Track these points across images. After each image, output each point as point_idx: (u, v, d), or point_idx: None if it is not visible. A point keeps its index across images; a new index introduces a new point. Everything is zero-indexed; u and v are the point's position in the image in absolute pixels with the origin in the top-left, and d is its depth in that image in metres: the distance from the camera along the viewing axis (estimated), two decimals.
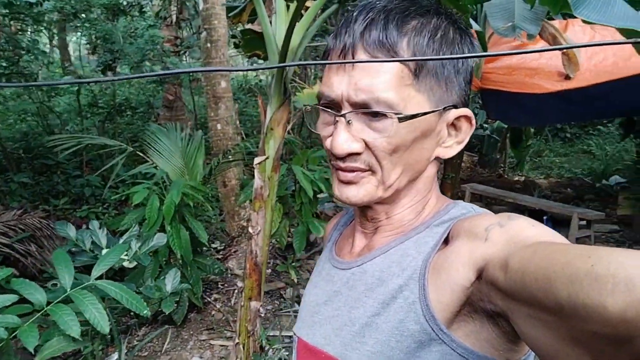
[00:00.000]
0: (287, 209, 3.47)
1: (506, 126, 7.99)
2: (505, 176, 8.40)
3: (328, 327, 0.66)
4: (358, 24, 0.59)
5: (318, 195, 3.45)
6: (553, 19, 3.85)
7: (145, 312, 1.78)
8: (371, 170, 0.61)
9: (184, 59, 9.44)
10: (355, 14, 0.60)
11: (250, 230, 2.28)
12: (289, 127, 2.21)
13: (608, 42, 0.42)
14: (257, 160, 2.21)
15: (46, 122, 7.34)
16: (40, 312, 1.65)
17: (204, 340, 3.07)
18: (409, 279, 0.58)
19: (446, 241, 0.59)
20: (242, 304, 2.42)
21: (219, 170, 3.79)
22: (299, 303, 3.55)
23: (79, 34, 9.64)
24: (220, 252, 4.37)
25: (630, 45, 4.31)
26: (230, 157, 4.01)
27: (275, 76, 2.07)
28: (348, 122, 0.59)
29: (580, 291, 0.36)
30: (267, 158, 2.20)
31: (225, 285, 3.83)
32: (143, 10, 8.29)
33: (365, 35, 0.57)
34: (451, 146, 0.64)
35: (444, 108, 0.60)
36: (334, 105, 0.61)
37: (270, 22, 2.09)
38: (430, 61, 0.58)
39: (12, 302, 1.62)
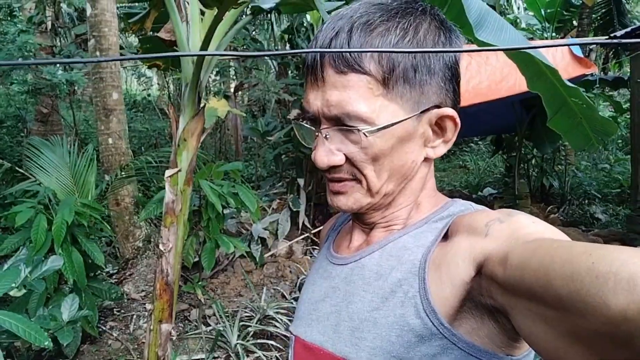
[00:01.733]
0: (192, 225, 3.33)
1: None
2: None
3: (326, 324, 0.65)
4: (323, 38, 0.59)
5: (224, 211, 3.36)
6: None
7: (46, 343, 1.57)
8: (356, 179, 0.62)
9: (61, 69, 8.66)
10: (323, 26, 0.60)
11: (161, 247, 2.14)
12: (202, 138, 2.13)
13: (541, 46, 0.48)
14: (168, 172, 2.10)
15: None
16: None
17: None
18: (408, 272, 0.58)
19: (445, 237, 0.59)
20: (152, 327, 2.25)
21: (115, 187, 3.52)
22: (205, 324, 3.40)
23: None
24: (114, 276, 4.03)
25: (500, 70, 4.83)
26: (124, 173, 3.75)
27: (190, 85, 2.00)
28: (325, 137, 0.60)
29: (581, 289, 0.36)
30: (179, 170, 2.10)
31: (122, 311, 3.53)
32: (13, 13, 7.46)
33: (328, 48, 0.58)
34: (438, 146, 0.63)
35: (421, 112, 0.60)
36: (315, 120, 0.62)
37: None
38: (399, 66, 0.57)
39: None
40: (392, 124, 0.58)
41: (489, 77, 4.77)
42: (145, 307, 3.56)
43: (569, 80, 3.20)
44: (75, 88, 8.98)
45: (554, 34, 8.15)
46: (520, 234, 0.49)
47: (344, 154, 0.60)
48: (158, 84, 11.25)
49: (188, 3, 2.04)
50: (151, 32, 2.81)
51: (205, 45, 1.87)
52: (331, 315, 0.65)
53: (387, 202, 0.65)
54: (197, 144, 2.12)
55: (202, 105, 2.06)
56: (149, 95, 10.90)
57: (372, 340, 0.57)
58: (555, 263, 0.39)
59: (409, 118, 0.59)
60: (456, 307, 0.53)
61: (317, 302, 0.69)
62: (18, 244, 2.65)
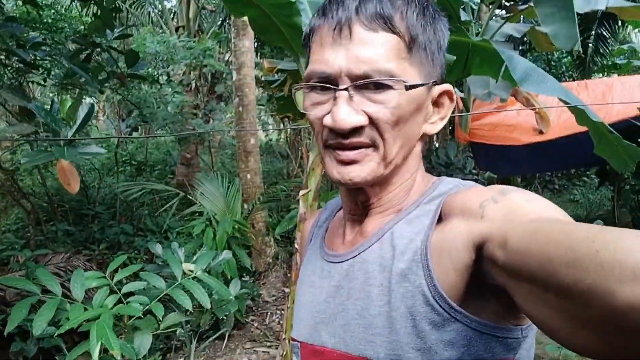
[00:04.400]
0: None
1: (496, 176, 8.82)
2: None
3: (335, 325, 0.63)
4: None
5: None
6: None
7: (231, 296, 2.44)
8: (374, 146, 0.60)
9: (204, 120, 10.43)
10: None
11: (296, 245, 2.99)
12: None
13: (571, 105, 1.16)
14: (302, 192, 2.97)
15: (81, 177, 8.14)
16: (163, 294, 2.33)
17: (248, 348, 3.69)
18: (411, 261, 0.57)
19: (440, 219, 0.59)
20: (288, 305, 3.08)
21: (255, 211, 4.54)
22: None
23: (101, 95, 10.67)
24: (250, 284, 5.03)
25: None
26: (260, 200, 4.78)
27: None
28: (350, 96, 0.58)
29: (586, 277, 0.36)
30: (309, 190, 2.95)
31: (259, 309, 4.46)
32: (170, 78, 9.34)
33: (360, 9, 0.58)
34: (435, 122, 0.65)
35: (432, 82, 0.61)
36: (330, 82, 0.59)
37: None
38: (421, 35, 0.59)
39: (143, 288, 2.29)
40: (421, 85, 0.59)
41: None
42: (276, 307, 4.45)
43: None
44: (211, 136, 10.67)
45: None
46: (517, 214, 0.49)
47: (368, 115, 0.58)
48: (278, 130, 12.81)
49: None
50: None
51: None
52: (338, 315, 0.63)
53: (387, 179, 0.64)
54: (321, 172, 2.97)
55: None
56: (270, 140, 12.44)
57: (387, 336, 0.56)
58: (558, 250, 0.39)
59: (427, 84, 0.60)
60: (463, 290, 0.53)
61: (320, 304, 0.67)
62: (194, 248, 3.70)
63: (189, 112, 9.59)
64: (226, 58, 10.38)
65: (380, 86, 0.57)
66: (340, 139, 0.59)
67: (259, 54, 9.95)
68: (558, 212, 0.49)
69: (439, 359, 0.53)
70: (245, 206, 5.06)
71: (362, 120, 0.58)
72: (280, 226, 3.87)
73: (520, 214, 0.49)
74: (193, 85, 10.04)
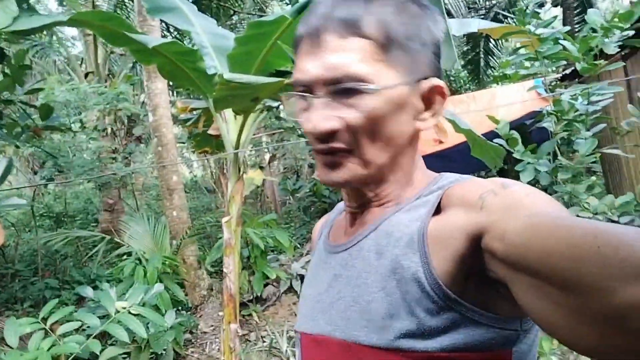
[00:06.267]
0: (243, 265, 4.39)
1: None
2: None
3: (332, 313, 0.64)
4: (323, 5, 0.61)
5: (268, 256, 4.44)
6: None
7: (166, 323, 2.60)
8: (352, 150, 0.61)
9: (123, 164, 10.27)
10: None
11: (225, 270, 3.19)
12: (246, 193, 3.22)
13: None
14: (224, 219, 3.19)
15: None
16: (98, 330, 2.44)
17: None
18: (406, 248, 0.57)
19: (438, 210, 0.59)
20: (224, 328, 3.25)
21: (184, 245, 4.67)
22: (262, 342, 4.37)
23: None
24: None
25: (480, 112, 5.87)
26: (187, 234, 4.91)
27: (232, 161, 3.13)
28: (324, 103, 0.60)
29: (588, 274, 0.36)
30: (231, 217, 3.19)
31: (198, 340, 4.56)
32: (84, 125, 9.17)
33: (331, 16, 0.59)
34: (427, 119, 0.64)
35: (416, 81, 0.61)
36: (309, 90, 0.61)
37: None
38: (398, 34, 0.59)
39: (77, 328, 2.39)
40: (393, 86, 0.59)
41: (472, 120, 5.82)
42: (215, 337, 4.57)
43: (530, 112, 4.23)
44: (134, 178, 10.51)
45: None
46: (517, 207, 0.49)
47: (342, 120, 0.60)
48: (203, 165, 12.86)
49: (225, 111, 3.22)
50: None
51: (239, 135, 3.02)
52: (336, 303, 0.64)
53: (380, 177, 0.65)
54: (241, 199, 3.22)
55: (241, 173, 3.19)
56: (195, 176, 12.47)
57: (381, 321, 0.56)
58: (559, 245, 0.39)
59: (406, 84, 0.60)
60: (459, 280, 0.53)
61: (321, 294, 0.68)
62: (126, 289, 3.77)
63: (107, 157, 9.39)
64: (141, 99, 10.37)
65: (353, 91, 0.59)
66: (319, 144, 0.62)
67: (174, 92, 10.06)
68: (558, 206, 0.49)
69: (432, 346, 0.53)
70: (174, 242, 5.15)
71: (335, 125, 0.60)
72: (209, 256, 4.05)
73: (520, 208, 0.48)
74: (109, 129, 9.88)
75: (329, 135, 0.61)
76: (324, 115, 0.60)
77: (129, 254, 4.28)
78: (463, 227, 0.53)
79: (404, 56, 0.60)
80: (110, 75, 10.13)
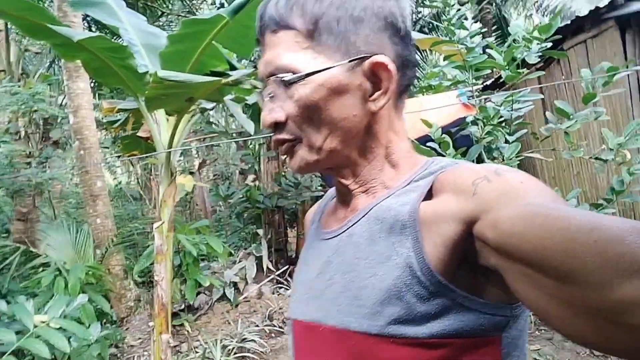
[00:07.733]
0: (175, 273, 4.22)
1: None
2: None
3: (323, 299, 0.63)
4: (262, 5, 0.63)
5: (200, 264, 4.30)
6: None
7: (90, 337, 2.42)
8: (299, 138, 0.62)
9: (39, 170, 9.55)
10: None
11: (156, 278, 3.05)
12: (177, 199, 3.11)
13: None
14: (155, 225, 3.05)
15: None
16: (14, 346, 2.21)
17: None
18: (399, 234, 0.57)
19: (430, 196, 0.58)
20: (155, 338, 3.10)
21: (109, 255, 4.41)
22: (194, 352, 4.22)
23: None
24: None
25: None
26: (113, 241, 4.65)
27: (164, 164, 3.01)
28: (269, 97, 0.62)
29: (584, 268, 0.36)
30: (163, 222, 3.06)
31: (125, 354, 4.30)
32: None
33: (264, 16, 0.62)
34: (377, 98, 0.61)
35: (349, 61, 0.59)
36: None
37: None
38: (322, 20, 0.59)
39: None
40: (316, 72, 0.59)
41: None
42: (143, 350, 4.34)
43: (456, 120, 4.44)
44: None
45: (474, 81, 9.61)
46: (511, 195, 0.48)
47: (284, 112, 0.61)
48: (128, 172, 12.25)
49: (156, 112, 3.10)
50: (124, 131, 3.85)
51: (172, 137, 2.91)
52: (327, 289, 0.63)
53: (345, 162, 0.65)
54: (173, 203, 3.10)
55: (173, 176, 3.07)
56: (119, 182, 11.84)
57: (372, 307, 0.56)
58: (554, 237, 0.39)
59: (334, 67, 0.59)
60: (451, 266, 0.53)
61: (312, 281, 0.68)
62: (45, 301, 3.49)
63: (20, 162, 8.75)
64: (59, 101, 9.71)
65: (287, 83, 0.60)
66: (274, 136, 0.65)
67: (97, 94, 9.51)
68: (552, 195, 0.49)
69: (422, 332, 0.53)
70: (98, 251, 4.85)
71: (278, 117, 0.62)
72: (138, 264, 3.85)
73: (514, 196, 0.48)
74: (23, 132, 9.22)
75: (277, 127, 0.63)
76: (269, 108, 0.62)
77: (47, 264, 3.96)
78: (455, 213, 0.52)
79: (334, 38, 0.60)
80: (24, 75, 9.42)
